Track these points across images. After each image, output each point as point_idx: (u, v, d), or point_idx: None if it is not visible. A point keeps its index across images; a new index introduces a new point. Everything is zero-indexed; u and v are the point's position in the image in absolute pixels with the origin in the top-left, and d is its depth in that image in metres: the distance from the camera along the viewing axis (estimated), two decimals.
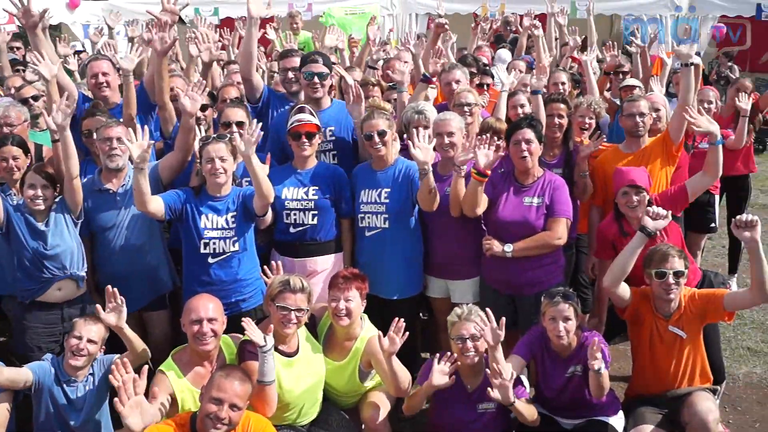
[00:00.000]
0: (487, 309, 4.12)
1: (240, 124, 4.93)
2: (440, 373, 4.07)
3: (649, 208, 4.39)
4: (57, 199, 4.61)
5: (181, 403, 3.99)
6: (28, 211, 4.56)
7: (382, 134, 4.78)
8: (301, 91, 5.35)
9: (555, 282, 4.62)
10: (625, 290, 4.37)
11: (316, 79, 5.13)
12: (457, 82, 5.81)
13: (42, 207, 4.52)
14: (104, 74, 5.42)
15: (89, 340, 4.13)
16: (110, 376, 3.72)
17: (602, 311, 5.29)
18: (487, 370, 4.10)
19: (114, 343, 4.35)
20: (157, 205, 4.45)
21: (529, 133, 4.63)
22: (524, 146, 4.62)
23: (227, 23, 11.27)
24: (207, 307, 4.04)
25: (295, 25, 10.46)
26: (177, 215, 4.55)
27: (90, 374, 4.24)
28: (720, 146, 4.80)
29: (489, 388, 3.97)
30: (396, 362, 4.07)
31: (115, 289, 4.11)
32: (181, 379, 4.03)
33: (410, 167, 4.80)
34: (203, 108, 5.26)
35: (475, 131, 5.14)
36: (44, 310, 4.60)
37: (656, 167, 5.19)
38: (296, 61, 5.34)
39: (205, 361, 4.10)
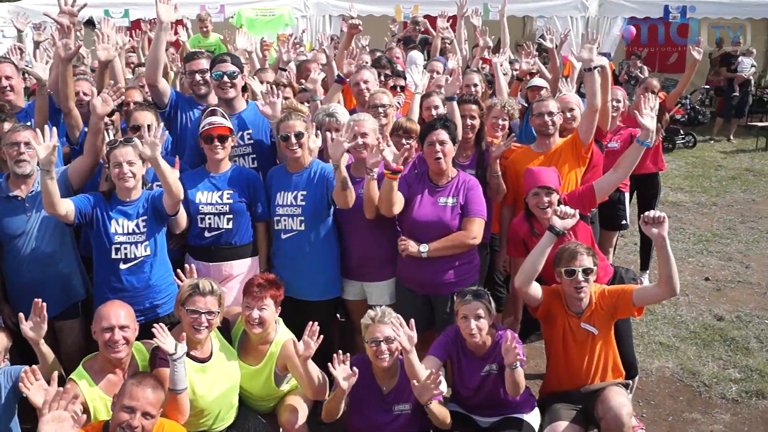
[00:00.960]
0: (399, 315, 4.12)
1: (149, 127, 4.84)
2: (343, 376, 4.00)
3: (557, 207, 4.47)
4: None
5: (94, 412, 3.90)
6: None
7: (298, 136, 4.76)
8: (210, 94, 5.29)
9: (470, 282, 4.68)
10: (536, 289, 4.45)
11: (226, 79, 5.09)
12: (366, 82, 5.83)
13: None
14: (7, 78, 5.28)
15: None
16: (20, 384, 3.63)
17: (518, 310, 5.38)
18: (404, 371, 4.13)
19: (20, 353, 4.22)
20: (67, 207, 4.35)
21: (443, 134, 4.67)
22: (438, 147, 4.65)
23: (138, 25, 11.05)
24: (118, 314, 3.96)
25: (204, 29, 10.35)
26: (87, 220, 4.46)
27: None
28: (644, 147, 4.80)
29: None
30: (312, 366, 4.06)
31: (44, 303, 4.00)
32: (93, 387, 3.95)
33: (325, 169, 4.80)
34: (110, 113, 5.15)
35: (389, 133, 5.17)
36: None
37: (566, 168, 5.29)
38: (203, 63, 5.27)
39: (117, 369, 4.03)
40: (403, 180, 4.68)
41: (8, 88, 5.27)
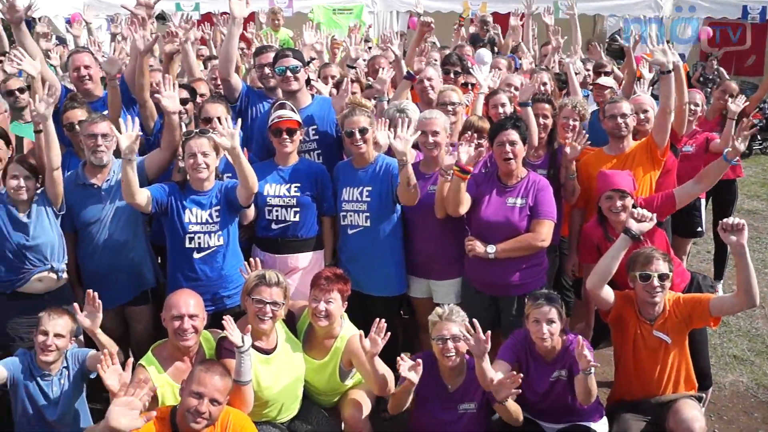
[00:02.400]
0: (474, 320, 4.05)
1: (220, 120, 4.90)
2: (410, 372, 3.96)
3: (633, 210, 4.37)
4: (39, 191, 4.58)
5: (161, 397, 3.97)
6: (10, 202, 4.53)
7: (363, 131, 4.76)
8: (279, 87, 5.33)
9: (538, 284, 4.61)
10: (608, 293, 4.36)
11: (288, 73, 5.12)
12: (430, 79, 5.78)
13: (24, 197, 4.50)
14: (86, 67, 5.39)
15: (56, 335, 4.09)
16: (97, 366, 3.70)
17: (590, 315, 5.29)
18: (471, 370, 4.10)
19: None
20: (144, 197, 4.45)
21: (513, 135, 4.60)
22: (508, 148, 4.59)
23: (208, 18, 11.23)
24: (188, 303, 4.03)
25: (276, 22, 10.43)
26: (162, 209, 4.54)
27: (64, 367, 4.21)
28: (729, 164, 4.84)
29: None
30: (378, 362, 4.05)
31: (95, 293, 4.08)
32: (161, 374, 4.02)
33: (390, 164, 4.78)
34: (184, 102, 5.23)
35: (459, 130, 5.13)
36: (25, 301, 4.56)
37: (640, 171, 5.17)
38: (272, 56, 5.32)
39: (185, 356, 4.10)
40: (471, 179, 4.62)
41: (87, 77, 5.39)
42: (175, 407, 3.72)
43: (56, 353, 4.11)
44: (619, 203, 4.63)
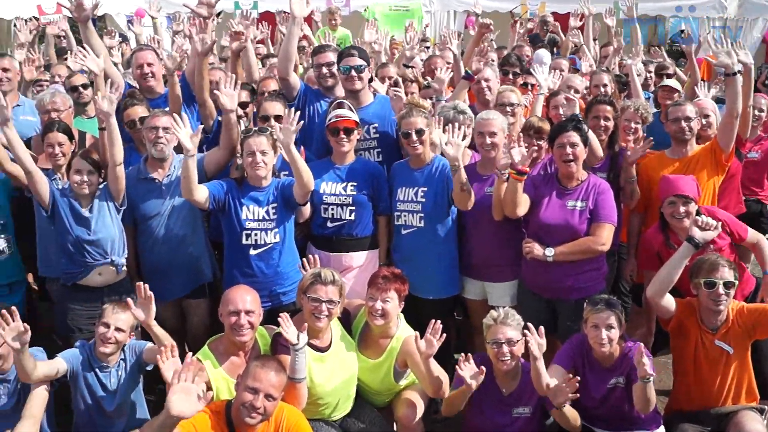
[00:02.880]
0: (530, 324, 4.02)
1: (278, 118, 4.94)
2: (470, 374, 3.95)
3: (697, 217, 4.26)
4: (101, 186, 4.67)
5: (216, 391, 4.01)
6: (73, 196, 4.64)
7: (419, 132, 4.74)
8: (337, 86, 5.34)
9: (597, 289, 4.54)
10: (669, 301, 4.27)
11: (353, 72, 5.12)
12: (487, 80, 5.73)
13: (87, 192, 4.60)
14: (149, 64, 5.46)
15: (117, 329, 4.16)
16: (157, 358, 3.78)
17: (651, 322, 5.19)
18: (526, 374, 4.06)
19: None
20: (202, 193, 4.50)
21: (574, 137, 4.53)
22: (569, 149, 4.53)
23: (266, 17, 11.31)
24: (245, 299, 4.07)
25: (333, 21, 10.48)
26: (220, 206, 4.59)
27: (122, 359, 4.28)
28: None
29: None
30: (433, 364, 4.03)
31: (146, 285, 4.14)
32: (216, 368, 4.07)
33: (447, 165, 4.74)
34: (244, 105, 5.28)
35: (517, 131, 5.08)
36: (85, 293, 4.67)
37: (704, 176, 5.05)
38: (330, 56, 5.31)
39: (240, 351, 4.14)
40: (529, 181, 4.58)
41: (150, 75, 5.47)
42: (230, 401, 3.76)
43: (115, 346, 4.19)
44: (682, 209, 4.52)
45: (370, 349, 4.35)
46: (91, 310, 4.61)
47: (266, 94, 5.51)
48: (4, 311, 3.80)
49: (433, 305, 4.79)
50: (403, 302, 4.32)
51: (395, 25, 11.25)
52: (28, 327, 3.79)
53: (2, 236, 5.01)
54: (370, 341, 4.36)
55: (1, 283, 5.05)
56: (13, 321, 3.77)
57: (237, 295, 4.08)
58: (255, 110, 5.57)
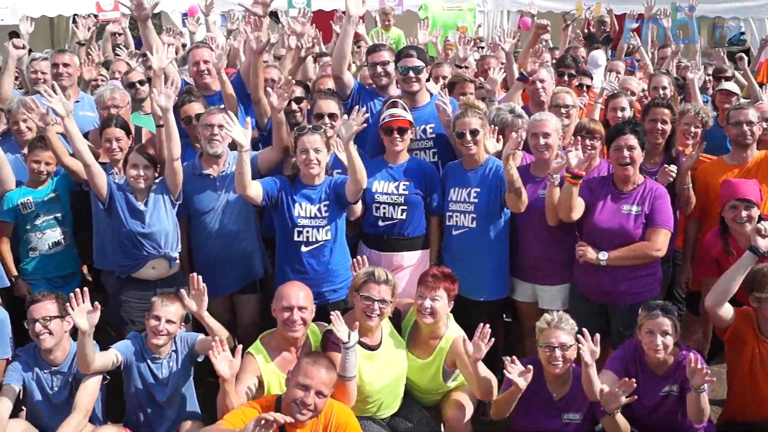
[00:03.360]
0: (585, 330, 3.98)
1: (332, 116, 4.96)
2: (518, 373, 3.93)
3: (759, 225, 4.15)
4: (157, 180, 4.74)
5: (267, 386, 4.06)
6: (129, 190, 4.72)
7: (474, 133, 4.71)
8: (391, 85, 5.33)
9: (652, 295, 4.47)
10: (728, 310, 4.18)
11: (411, 74, 5.11)
12: (542, 81, 5.67)
13: (143, 186, 4.67)
14: (205, 62, 5.54)
15: (167, 321, 4.23)
16: (210, 353, 3.83)
17: (707, 329, 5.09)
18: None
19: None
20: (256, 189, 4.54)
21: (632, 140, 4.47)
22: (626, 153, 4.46)
23: (318, 15, 11.37)
24: (298, 295, 4.10)
25: (387, 22, 10.49)
26: (273, 202, 4.63)
27: (173, 351, 4.35)
28: None
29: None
30: (482, 367, 4.01)
31: (199, 277, 4.19)
32: (268, 363, 4.11)
33: (501, 167, 4.69)
34: (298, 100, 5.31)
35: (572, 133, 5.01)
36: (139, 286, 4.75)
37: (766, 183, 4.91)
38: (384, 55, 5.30)
39: (292, 347, 4.17)
40: (584, 184, 4.52)
41: (206, 72, 5.55)
42: (280, 396, 3.79)
43: (166, 338, 4.26)
44: (744, 213, 4.42)
45: (420, 349, 4.34)
46: (144, 303, 4.65)
47: (321, 92, 5.54)
48: (77, 290, 3.96)
49: (483, 307, 4.77)
50: (453, 302, 4.29)
51: (450, 25, 11.21)
52: (98, 305, 3.89)
53: (60, 228, 5.15)
54: (420, 341, 4.35)
55: (57, 275, 5.18)
56: (84, 302, 3.92)
57: (290, 291, 4.11)
58: (309, 108, 5.60)
